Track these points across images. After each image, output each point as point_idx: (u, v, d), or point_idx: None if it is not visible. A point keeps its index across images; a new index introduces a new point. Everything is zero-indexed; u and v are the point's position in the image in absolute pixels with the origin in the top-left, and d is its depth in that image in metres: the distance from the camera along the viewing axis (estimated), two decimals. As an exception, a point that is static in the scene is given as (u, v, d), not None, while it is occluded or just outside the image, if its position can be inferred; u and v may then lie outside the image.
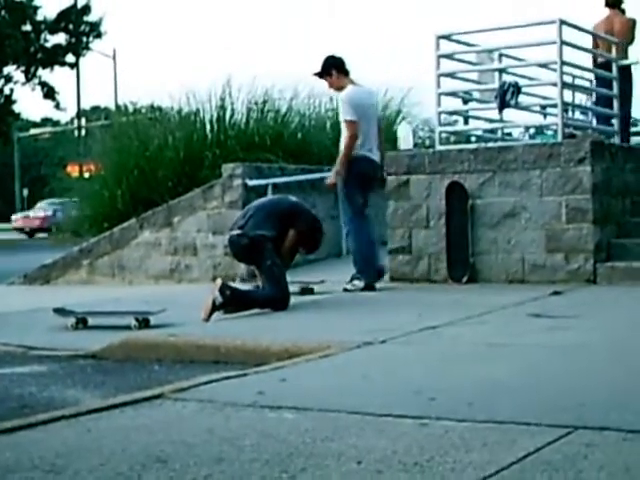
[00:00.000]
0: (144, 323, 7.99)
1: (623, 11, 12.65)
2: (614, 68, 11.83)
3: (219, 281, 8.54)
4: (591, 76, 12.96)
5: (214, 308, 8.23)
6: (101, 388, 5.89)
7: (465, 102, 12.46)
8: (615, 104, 11.86)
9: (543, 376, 4.99)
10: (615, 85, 11.91)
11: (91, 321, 8.32)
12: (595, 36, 12.09)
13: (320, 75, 10.35)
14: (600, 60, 12.19)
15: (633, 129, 13.50)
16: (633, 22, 12.62)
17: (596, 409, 4.09)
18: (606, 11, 12.61)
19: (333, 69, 10.23)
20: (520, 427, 3.84)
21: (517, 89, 10.79)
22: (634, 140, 13.54)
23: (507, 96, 10.70)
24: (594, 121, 13.10)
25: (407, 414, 4.11)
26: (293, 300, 8.84)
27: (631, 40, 12.56)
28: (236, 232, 8.82)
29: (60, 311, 8.54)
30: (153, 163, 14.35)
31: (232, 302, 8.37)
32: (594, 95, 12.84)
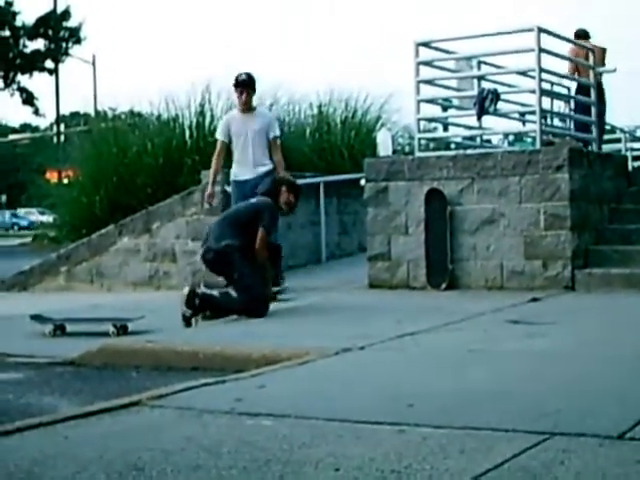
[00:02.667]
0: (122, 330, 7.96)
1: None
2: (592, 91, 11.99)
3: (186, 290, 8.47)
4: (569, 83, 13.06)
5: (188, 320, 8.24)
6: (79, 395, 5.86)
7: (444, 109, 12.50)
8: (593, 111, 11.94)
9: (521, 382, 5.00)
10: (593, 93, 12.00)
11: (69, 328, 8.28)
12: (573, 60, 12.28)
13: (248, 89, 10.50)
14: (582, 81, 12.37)
15: (611, 136, 13.62)
16: (604, 50, 12.95)
17: (573, 415, 4.11)
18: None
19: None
20: (497, 433, 3.85)
21: (496, 96, 10.84)
22: (613, 147, 13.67)
23: (486, 103, 10.74)
24: (572, 128, 13.18)
25: (385, 421, 4.11)
26: (272, 307, 8.83)
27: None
28: (203, 247, 8.86)
29: (38, 318, 8.50)
30: (132, 169, 14.32)
31: (205, 307, 8.37)
32: (572, 103, 12.94)
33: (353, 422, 4.14)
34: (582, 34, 12.99)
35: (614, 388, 4.75)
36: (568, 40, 11.38)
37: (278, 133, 10.57)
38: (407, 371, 5.50)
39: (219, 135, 10.69)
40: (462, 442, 3.72)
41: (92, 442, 4.02)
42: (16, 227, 59.55)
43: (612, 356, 5.80)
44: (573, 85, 13.10)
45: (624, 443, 3.66)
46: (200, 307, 8.35)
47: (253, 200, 9.21)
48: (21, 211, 42.00)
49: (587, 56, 12.34)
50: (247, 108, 10.56)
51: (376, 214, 10.78)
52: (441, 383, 5.03)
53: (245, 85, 10.47)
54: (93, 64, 51.69)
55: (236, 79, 10.48)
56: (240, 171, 10.56)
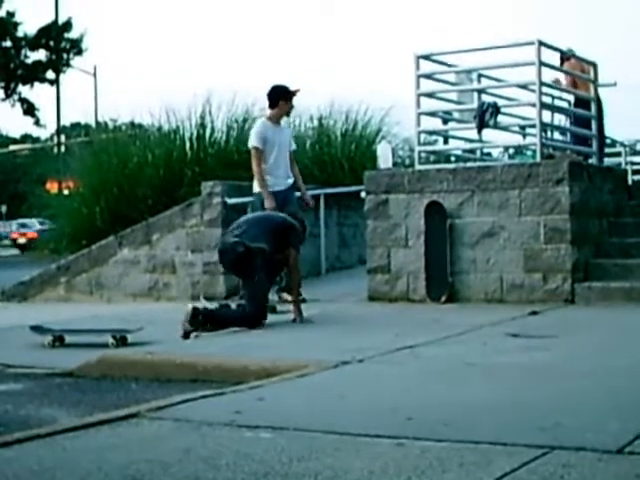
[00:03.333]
0: (122, 341, 7.96)
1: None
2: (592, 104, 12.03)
3: (189, 307, 8.45)
4: (569, 97, 13.08)
5: (187, 334, 8.23)
6: (78, 406, 5.85)
7: (445, 122, 12.51)
8: (593, 125, 11.97)
9: (520, 396, 4.99)
10: (593, 107, 12.03)
11: (68, 339, 8.28)
12: (572, 75, 12.33)
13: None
14: (580, 95, 12.39)
15: (611, 150, 13.64)
16: (595, 66, 13.01)
17: (572, 429, 4.10)
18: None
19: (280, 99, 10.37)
20: (497, 447, 3.84)
21: (496, 109, 10.86)
22: (613, 161, 13.70)
23: (486, 116, 10.76)
24: (576, 141, 13.21)
25: (384, 434, 4.11)
26: (271, 318, 8.83)
27: None
28: (233, 239, 8.76)
29: (37, 329, 8.49)
30: (132, 180, 14.33)
31: (206, 322, 8.36)
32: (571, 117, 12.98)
33: (352, 435, 4.13)
34: (568, 54, 12.98)
35: (613, 402, 4.74)
36: (568, 54, 11.40)
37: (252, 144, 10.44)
38: (406, 384, 5.50)
39: (258, 143, 10.38)
40: (461, 455, 3.72)
41: (91, 454, 4.01)
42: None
43: (612, 370, 5.80)
44: (571, 99, 13.13)
45: (623, 457, 3.65)
46: (204, 323, 8.35)
47: (285, 216, 9.33)
48: (33, 221, 42.02)
49: (583, 70, 12.38)
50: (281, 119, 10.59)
51: (376, 226, 10.78)
52: (440, 396, 5.02)
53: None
54: (94, 75, 51.81)
55: (291, 90, 10.41)
56: (276, 182, 10.44)
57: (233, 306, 8.87)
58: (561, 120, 13.48)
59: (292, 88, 10.38)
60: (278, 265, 9.08)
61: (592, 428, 4.10)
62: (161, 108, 15.12)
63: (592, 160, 11.96)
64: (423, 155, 11.84)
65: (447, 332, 7.60)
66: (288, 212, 9.66)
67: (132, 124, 17.42)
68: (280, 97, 10.31)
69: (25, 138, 79.12)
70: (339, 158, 15.66)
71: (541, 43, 10.41)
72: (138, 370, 6.83)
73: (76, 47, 43.36)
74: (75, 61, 44.24)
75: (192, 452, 3.94)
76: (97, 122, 27.90)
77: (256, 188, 10.33)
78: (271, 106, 10.40)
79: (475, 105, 11.26)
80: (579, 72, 12.42)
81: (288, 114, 10.78)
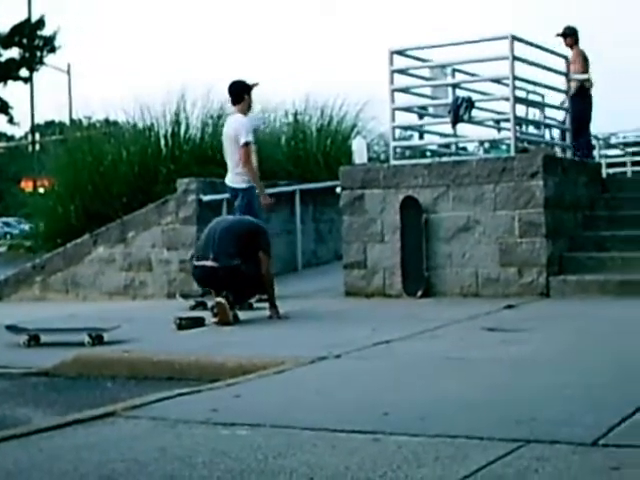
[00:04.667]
0: (98, 340, 7.92)
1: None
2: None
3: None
4: (543, 91, 13.13)
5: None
6: (53, 406, 5.83)
7: (420, 117, 12.53)
8: (567, 119, 12.04)
9: (496, 390, 5.01)
10: (568, 102, 12.11)
11: (44, 338, 8.23)
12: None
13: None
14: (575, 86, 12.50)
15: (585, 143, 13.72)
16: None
17: (547, 423, 4.12)
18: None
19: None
20: (472, 441, 3.86)
21: (470, 104, 10.89)
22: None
23: (460, 111, 10.79)
24: (547, 135, 13.28)
25: (360, 429, 4.12)
26: (248, 315, 8.83)
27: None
28: (210, 263, 8.75)
29: (12, 328, 8.44)
30: (107, 178, 14.26)
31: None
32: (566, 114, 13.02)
33: (328, 431, 4.14)
34: (570, 32, 13.10)
35: (588, 395, 4.77)
36: (540, 48, 11.41)
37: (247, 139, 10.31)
38: (382, 379, 5.51)
39: (252, 138, 10.35)
40: (437, 450, 3.73)
41: (67, 454, 4.00)
42: (8, 236, 59.00)
43: (586, 363, 5.83)
44: (550, 92, 13.18)
45: (597, 450, 3.68)
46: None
47: (250, 218, 9.37)
48: (15, 220, 41.79)
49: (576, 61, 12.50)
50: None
51: (352, 222, 10.79)
52: (416, 391, 5.04)
53: None
54: (68, 73, 51.52)
55: (250, 84, 10.44)
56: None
57: (210, 303, 8.87)
58: (536, 114, 13.52)
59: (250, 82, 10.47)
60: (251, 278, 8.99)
61: (567, 421, 4.12)
62: (135, 105, 15.05)
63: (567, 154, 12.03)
64: (398, 150, 11.86)
65: (423, 327, 7.61)
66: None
67: (107, 121, 17.34)
68: (244, 91, 10.39)
69: (-1, 136, 78.64)
70: (314, 153, 15.66)
71: (514, 38, 10.44)
72: (114, 369, 6.81)
73: (49, 45, 43.15)
74: (48, 59, 44.04)
75: (168, 451, 3.93)
76: (71, 120, 27.73)
77: (241, 183, 10.29)
78: (237, 101, 10.44)
79: (449, 100, 11.27)
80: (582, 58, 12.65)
81: (249, 108, 10.75)
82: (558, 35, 13.11)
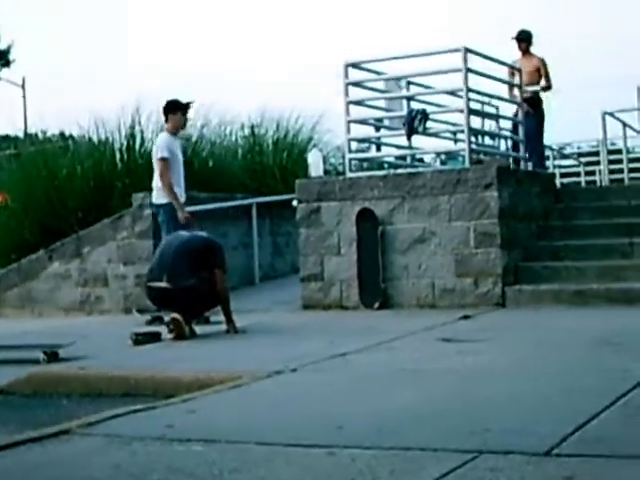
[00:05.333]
0: (53, 356, 7.85)
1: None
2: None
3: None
4: (498, 103, 13.24)
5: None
6: (7, 425, 5.77)
7: (376, 129, 12.59)
8: (520, 131, 12.14)
9: (452, 401, 5.03)
10: (521, 116, 12.22)
11: (-2, 355, 8.15)
12: (518, 70, 12.50)
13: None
14: (526, 95, 12.55)
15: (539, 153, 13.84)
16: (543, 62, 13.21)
17: (501, 433, 4.14)
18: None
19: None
20: (427, 453, 3.87)
21: (424, 116, 10.95)
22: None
23: (415, 123, 10.84)
24: (502, 146, 13.40)
25: (315, 443, 4.11)
26: (204, 330, 8.80)
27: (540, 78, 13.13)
28: (164, 284, 8.70)
29: (-35, 346, 8.35)
30: (62, 193, 14.14)
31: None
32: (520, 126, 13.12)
33: (283, 445, 4.13)
34: (524, 37, 13.23)
35: (542, 405, 4.80)
36: (494, 60, 11.51)
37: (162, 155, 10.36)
38: (338, 392, 5.51)
39: (167, 154, 10.37)
40: (391, 463, 3.74)
41: (21, 473, 3.97)
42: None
43: (541, 373, 5.87)
44: (502, 104, 13.29)
45: (551, 460, 3.70)
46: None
47: (204, 234, 9.33)
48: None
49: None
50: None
51: (308, 235, 10.81)
52: (372, 403, 5.04)
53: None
54: (23, 87, 51.13)
55: (182, 103, 10.50)
56: (181, 193, 10.45)
57: (166, 319, 8.82)
58: (492, 125, 13.63)
59: (184, 101, 10.62)
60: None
61: (521, 431, 4.15)
62: (90, 119, 14.96)
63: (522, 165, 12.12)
64: (354, 163, 11.91)
65: (380, 338, 7.63)
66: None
67: (62, 135, 17.21)
68: (169, 111, 10.52)
69: (-47, 151, 77.85)
70: (271, 167, 15.66)
71: (467, 50, 10.51)
72: (69, 386, 6.76)
73: (3, 58, 42.83)
74: (3, 72, 43.70)
75: (123, 468, 3.91)
76: (26, 134, 27.53)
77: (160, 199, 10.33)
78: (165, 120, 10.64)
79: (404, 112, 11.33)
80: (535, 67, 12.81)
81: (183, 127, 10.85)
82: (513, 38, 13.18)
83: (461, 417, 4.57)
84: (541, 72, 13.08)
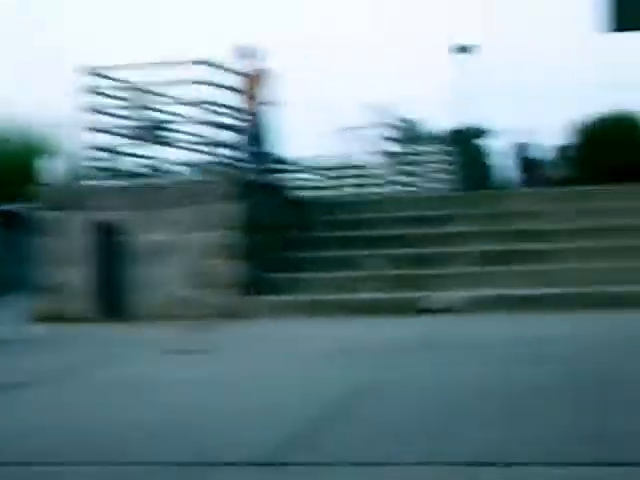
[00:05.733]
0: None
1: None
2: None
3: None
4: (241, 115, 13.27)
5: None
6: None
7: (119, 137, 12.34)
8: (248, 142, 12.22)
9: (174, 413, 4.93)
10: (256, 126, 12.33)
11: None
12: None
13: None
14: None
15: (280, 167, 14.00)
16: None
17: (219, 444, 4.09)
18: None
19: None
20: (141, 468, 3.76)
21: (161, 126, 10.87)
22: (281, 177, 14.06)
23: (152, 133, 10.74)
24: (243, 159, 13.45)
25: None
26: None
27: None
28: None
29: None
30: None
31: None
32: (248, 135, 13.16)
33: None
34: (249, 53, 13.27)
35: (264, 415, 4.79)
36: (235, 72, 11.57)
37: None
38: (64, 409, 5.31)
39: None
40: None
41: None
42: None
43: (269, 384, 5.89)
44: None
45: (268, 469, 3.69)
46: None
47: None
48: None
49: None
50: None
51: (44, 245, 10.46)
52: (99, 420, 4.88)
53: None
54: None
55: None
56: None
57: None
58: (233, 138, 13.65)
59: None
60: None
61: (237, 442, 4.12)
62: None
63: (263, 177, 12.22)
64: (94, 172, 11.64)
65: (112, 350, 7.47)
66: None
67: None
68: None
69: None
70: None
71: (206, 63, 10.51)
72: None
73: None
74: None
75: None
76: None
77: None
78: None
79: (144, 122, 11.20)
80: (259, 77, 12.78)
81: None
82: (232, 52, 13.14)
83: (181, 429, 4.48)
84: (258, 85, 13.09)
